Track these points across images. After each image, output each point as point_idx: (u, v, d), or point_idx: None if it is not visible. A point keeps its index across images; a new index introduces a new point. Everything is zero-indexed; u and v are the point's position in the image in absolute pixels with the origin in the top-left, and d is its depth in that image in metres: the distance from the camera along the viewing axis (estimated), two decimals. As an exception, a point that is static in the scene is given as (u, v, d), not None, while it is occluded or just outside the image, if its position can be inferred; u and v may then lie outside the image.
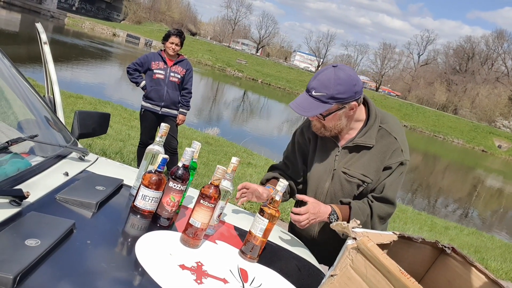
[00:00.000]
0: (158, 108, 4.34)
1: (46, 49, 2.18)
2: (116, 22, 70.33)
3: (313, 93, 1.55)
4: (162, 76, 4.26)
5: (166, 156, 1.39)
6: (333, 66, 1.59)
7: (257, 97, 39.38)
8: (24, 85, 1.76)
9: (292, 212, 1.60)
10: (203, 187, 1.33)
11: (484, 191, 23.47)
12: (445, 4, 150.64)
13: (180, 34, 4.27)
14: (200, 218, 1.31)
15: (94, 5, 76.14)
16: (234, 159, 1.43)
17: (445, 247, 0.83)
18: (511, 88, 65.60)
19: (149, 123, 4.43)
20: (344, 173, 1.69)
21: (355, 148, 1.69)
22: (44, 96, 2.10)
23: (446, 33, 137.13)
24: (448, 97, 68.02)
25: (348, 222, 1.60)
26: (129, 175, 1.67)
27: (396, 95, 74.60)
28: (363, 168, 1.66)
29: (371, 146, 1.66)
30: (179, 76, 4.32)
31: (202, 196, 1.31)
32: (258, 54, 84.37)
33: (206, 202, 1.30)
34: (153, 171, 1.38)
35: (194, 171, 1.51)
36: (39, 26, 2.26)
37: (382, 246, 0.80)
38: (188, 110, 4.50)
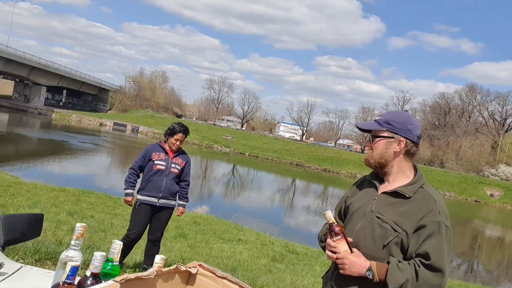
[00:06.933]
0: (156, 200, 4.14)
1: None
2: (103, 112, 72.29)
3: (376, 118, 1.83)
4: (163, 167, 4.15)
5: (77, 263, 1.20)
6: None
7: (246, 170, 39.56)
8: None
9: (329, 244, 1.70)
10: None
11: (485, 242, 22.99)
12: (416, 66, 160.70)
13: (186, 132, 4.20)
14: None
15: (80, 99, 78.74)
16: (157, 258, 1.24)
17: (190, 267, 0.85)
18: (492, 137, 67.45)
19: (143, 216, 4.16)
20: (378, 217, 1.69)
21: (393, 195, 1.72)
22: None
23: (422, 92, 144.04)
24: (433, 152, 69.13)
25: (385, 280, 1.58)
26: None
27: (383, 154, 75.42)
28: (397, 217, 1.66)
29: (408, 196, 1.68)
30: (179, 168, 4.22)
31: None
32: (243, 128, 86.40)
33: None
34: (61, 283, 1.20)
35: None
36: None
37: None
38: (187, 202, 4.37)
